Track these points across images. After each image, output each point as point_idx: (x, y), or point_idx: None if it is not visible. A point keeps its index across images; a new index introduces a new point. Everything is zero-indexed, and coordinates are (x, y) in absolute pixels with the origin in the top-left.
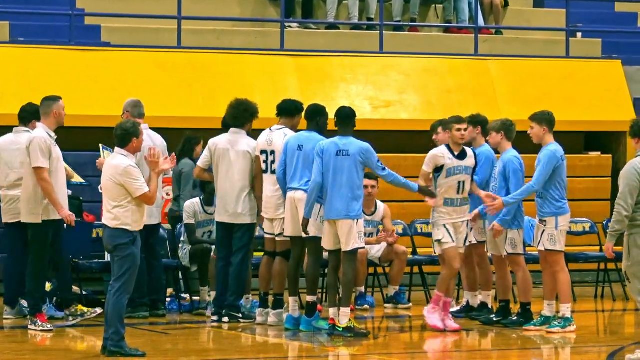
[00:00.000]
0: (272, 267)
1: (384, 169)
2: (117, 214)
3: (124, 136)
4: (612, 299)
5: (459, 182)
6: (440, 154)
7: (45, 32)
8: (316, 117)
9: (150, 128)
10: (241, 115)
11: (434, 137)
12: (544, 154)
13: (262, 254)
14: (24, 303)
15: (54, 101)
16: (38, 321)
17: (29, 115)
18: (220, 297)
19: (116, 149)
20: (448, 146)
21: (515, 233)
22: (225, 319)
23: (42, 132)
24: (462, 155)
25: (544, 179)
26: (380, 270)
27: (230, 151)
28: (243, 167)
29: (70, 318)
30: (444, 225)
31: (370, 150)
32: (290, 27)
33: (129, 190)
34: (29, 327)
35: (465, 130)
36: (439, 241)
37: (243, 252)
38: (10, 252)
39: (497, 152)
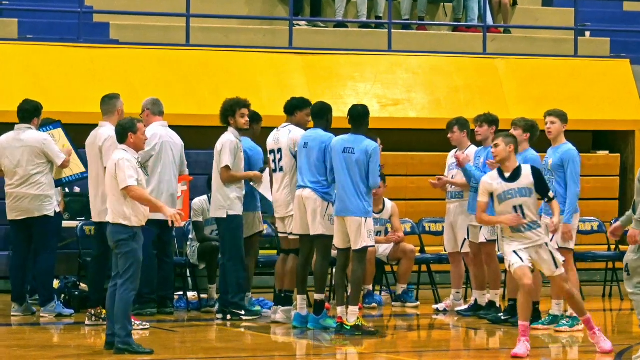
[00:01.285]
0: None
1: (378, 177)
2: (115, 209)
3: (120, 132)
4: (620, 298)
5: (514, 207)
6: (489, 180)
7: (54, 30)
8: (326, 114)
9: (169, 127)
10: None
11: (449, 135)
12: (568, 154)
13: (275, 252)
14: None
15: (118, 99)
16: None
17: (29, 113)
18: (222, 296)
19: (118, 145)
20: (499, 169)
21: None
22: (228, 317)
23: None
24: (514, 177)
25: (579, 178)
26: (388, 268)
27: (215, 149)
28: (215, 166)
29: (94, 318)
30: (514, 251)
31: (375, 152)
32: (298, 25)
33: (118, 182)
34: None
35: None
36: (509, 265)
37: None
38: (16, 249)
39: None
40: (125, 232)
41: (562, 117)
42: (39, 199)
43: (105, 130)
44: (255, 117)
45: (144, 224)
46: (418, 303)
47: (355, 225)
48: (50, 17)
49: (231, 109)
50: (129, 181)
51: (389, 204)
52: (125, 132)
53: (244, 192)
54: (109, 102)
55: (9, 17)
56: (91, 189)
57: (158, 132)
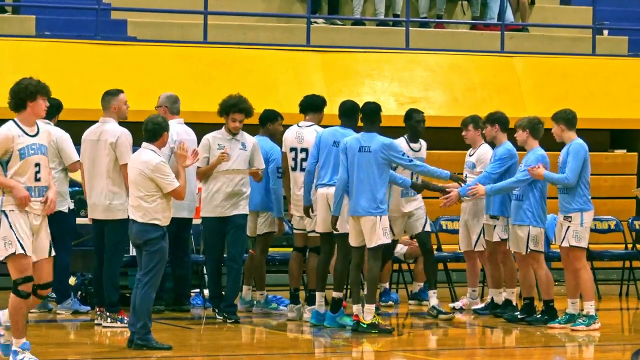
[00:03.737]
0: (304, 262)
1: (410, 160)
2: (146, 209)
3: (155, 130)
4: (637, 297)
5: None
6: None
7: (71, 27)
8: (355, 114)
9: (185, 124)
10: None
11: (463, 133)
12: (572, 147)
13: (291, 249)
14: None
15: (114, 95)
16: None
17: (52, 110)
18: (213, 299)
19: (144, 143)
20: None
21: (537, 230)
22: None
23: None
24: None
25: (577, 172)
26: (405, 266)
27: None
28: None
29: (109, 320)
30: None
31: (392, 145)
32: (316, 22)
33: (161, 186)
34: (103, 323)
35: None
36: None
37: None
38: None
39: (524, 149)
40: (156, 231)
41: (557, 119)
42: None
43: (113, 127)
44: (270, 116)
45: (169, 223)
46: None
47: (369, 224)
48: (67, 14)
49: (225, 110)
50: (175, 183)
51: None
52: (162, 130)
53: (231, 190)
54: (104, 98)
55: (27, 14)
56: (94, 185)
57: (175, 130)
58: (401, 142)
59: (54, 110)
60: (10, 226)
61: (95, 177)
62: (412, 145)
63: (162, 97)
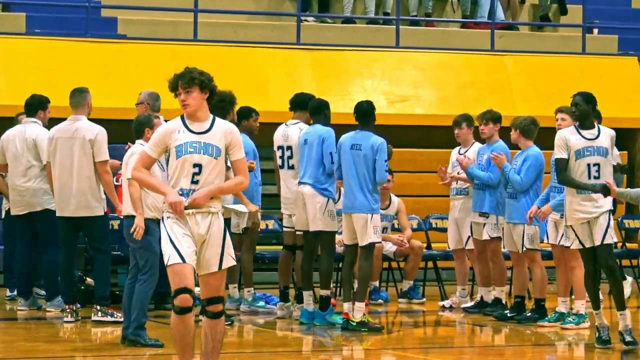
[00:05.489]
0: (294, 261)
1: (385, 172)
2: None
3: (137, 127)
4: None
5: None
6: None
7: (61, 24)
8: (323, 110)
9: (165, 121)
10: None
11: (456, 131)
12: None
13: (281, 247)
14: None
15: (87, 92)
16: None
17: (34, 107)
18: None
19: (136, 141)
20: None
21: (532, 229)
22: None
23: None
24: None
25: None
26: (394, 264)
27: None
28: None
29: (100, 314)
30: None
31: (381, 147)
32: (306, 21)
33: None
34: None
35: None
36: None
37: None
38: (20, 244)
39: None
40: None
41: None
42: (40, 192)
43: (87, 124)
44: (244, 113)
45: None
46: (424, 300)
47: (361, 222)
48: (57, 12)
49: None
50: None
51: (395, 200)
52: (142, 127)
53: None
54: (80, 95)
55: (17, 12)
56: (71, 182)
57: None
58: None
59: (38, 106)
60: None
61: (73, 175)
62: None
63: (144, 94)
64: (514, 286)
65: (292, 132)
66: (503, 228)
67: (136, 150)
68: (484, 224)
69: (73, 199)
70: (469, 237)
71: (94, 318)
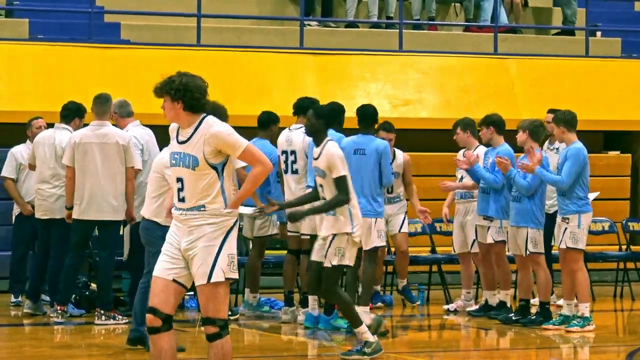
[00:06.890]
0: (298, 265)
1: (391, 175)
2: (151, 207)
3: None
4: (632, 299)
5: None
6: None
7: (65, 30)
8: (338, 116)
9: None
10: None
11: (454, 136)
12: (571, 152)
13: (285, 252)
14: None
15: (110, 100)
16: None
17: (71, 113)
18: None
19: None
20: None
21: (536, 232)
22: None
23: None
24: None
25: (573, 176)
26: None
27: None
28: None
29: (103, 317)
30: None
31: (385, 151)
32: (309, 25)
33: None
34: (96, 321)
35: None
36: None
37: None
38: (40, 248)
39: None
40: (159, 230)
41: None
42: (62, 200)
43: (117, 130)
44: (273, 118)
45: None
46: (418, 303)
47: (365, 226)
48: (61, 17)
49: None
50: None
51: (400, 154)
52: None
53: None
54: (106, 103)
55: (20, 17)
56: (100, 186)
57: (136, 133)
58: None
59: (72, 113)
60: None
61: (103, 179)
62: None
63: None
64: (519, 289)
65: (296, 136)
66: (507, 231)
67: None
68: (488, 228)
69: (103, 202)
70: (474, 241)
71: (97, 322)
